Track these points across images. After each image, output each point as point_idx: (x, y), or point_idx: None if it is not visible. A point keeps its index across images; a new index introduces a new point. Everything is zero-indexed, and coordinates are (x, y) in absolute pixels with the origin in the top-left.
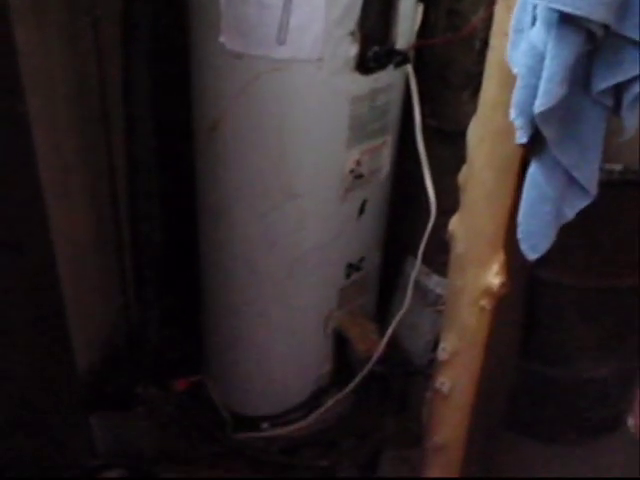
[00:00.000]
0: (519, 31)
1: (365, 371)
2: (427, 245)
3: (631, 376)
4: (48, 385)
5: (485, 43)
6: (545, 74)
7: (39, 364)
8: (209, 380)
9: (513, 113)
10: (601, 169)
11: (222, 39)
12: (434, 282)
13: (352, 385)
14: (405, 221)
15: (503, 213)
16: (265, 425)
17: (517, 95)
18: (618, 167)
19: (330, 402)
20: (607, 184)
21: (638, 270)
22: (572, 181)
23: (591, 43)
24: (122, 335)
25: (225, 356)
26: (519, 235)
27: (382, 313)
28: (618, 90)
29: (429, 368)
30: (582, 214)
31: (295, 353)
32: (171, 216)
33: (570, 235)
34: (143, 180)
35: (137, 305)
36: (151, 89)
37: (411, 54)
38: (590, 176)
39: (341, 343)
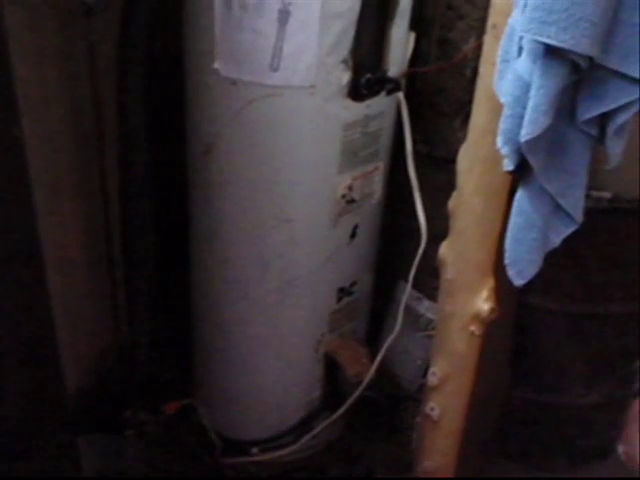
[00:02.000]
0: (506, 61)
1: (355, 396)
2: (418, 270)
3: (621, 403)
4: (37, 408)
5: (476, 71)
6: (530, 104)
7: (28, 386)
8: (199, 404)
9: (500, 142)
10: (590, 197)
11: (216, 65)
12: (425, 307)
13: (342, 410)
14: (396, 246)
15: (492, 239)
16: (255, 450)
17: (503, 124)
18: (607, 195)
19: (320, 427)
20: (596, 212)
21: (626, 296)
22: (558, 208)
23: (576, 74)
24: (112, 358)
25: (215, 379)
26: (506, 261)
27: (373, 337)
28: (603, 120)
29: (419, 393)
30: (571, 241)
31: (285, 377)
32: (163, 238)
33: (559, 261)
34: (136, 201)
35: (127, 328)
36: (145, 113)
37: (403, 82)
38: (575, 203)
39: (331, 367)
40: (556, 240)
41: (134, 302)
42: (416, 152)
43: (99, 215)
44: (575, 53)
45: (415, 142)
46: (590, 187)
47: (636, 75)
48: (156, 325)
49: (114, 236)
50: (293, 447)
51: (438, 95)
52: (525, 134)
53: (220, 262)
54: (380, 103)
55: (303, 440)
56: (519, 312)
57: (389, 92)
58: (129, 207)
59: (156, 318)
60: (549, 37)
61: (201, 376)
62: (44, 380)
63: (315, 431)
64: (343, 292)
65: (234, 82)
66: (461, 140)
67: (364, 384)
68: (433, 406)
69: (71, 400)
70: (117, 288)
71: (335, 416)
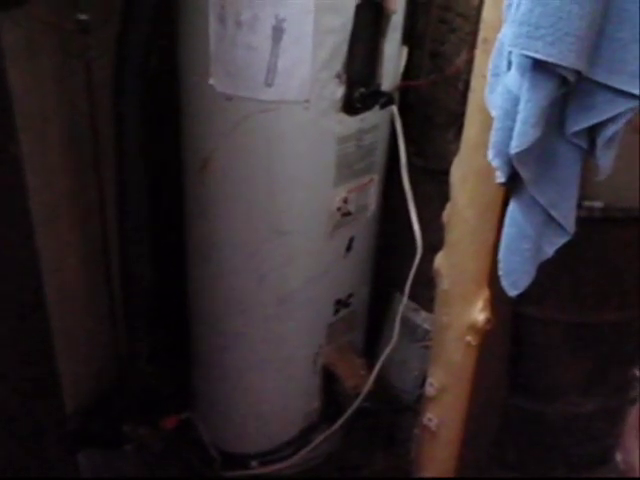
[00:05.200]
0: (496, 75)
1: (353, 407)
2: (414, 281)
3: (618, 411)
4: (35, 423)
5: (468, 84)
6: (520, 117)
7: (25, 402)
8: (198, 417)
9: (491, 154)
10: (582, 206)
11: (212, 81)
12: (422, 318)
13: (341, 421)
14: (392, 257)
15: (486, 250)
16: (254, 463)
17: (494, 137)
18: (599, 204)
19: (319, 439)
20: (588, 221)
21: (620, 305)
22: (550, 219)
23: (564, 87)
24: (110, 373)
25: (213, 393)
26: (500, 272)
27: (370, 349)
28: (592, 131)
29: (417, 404)
30: (564, 250)
31: (284, 390)
32: (161, 252)
33: (553, 271)
34: (133, 216)
35: (126, 342)
36: (142, 129)
37: (396, 95)
38: (567, 214)
39: (329, 379)
40: (549, 251)
41: (132, 317)
42: (410, 164)
43: (97, 232)
44: (562, 67)
45: (409, 154)
46: (582, 197)
47: (623, 87)
48: (154, 340)
49: (112, 252)
50: (292, 460)
51: (431, 107)
52: (515, 146)
53: (216, 276)
54: (374, 116)
55: (302, 452)
56: (515, 322)
57: (382, 106)
58: (127, 223)
59: (154, 333)
60: (536, 51)
61: (199, 390)
62: (42, 396)
63: (314, 443)
64: (340, 304)
65: (229, 98)
66: (454, 152)
67: (362, 396)
68: (431, 417)
69: (69, 415)
70: (115, 303)
71: (334, 428)
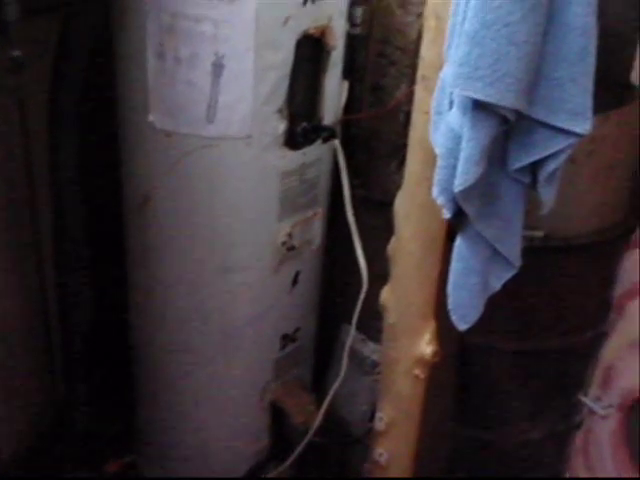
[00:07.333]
0: (439, 113)
1: (304, 443)
2: (362, 312)
3: (565, 436)
4: None
5: (409, 116)
6: (462, 155)
7: None
8: (142, 460)
9: (435, 192)
10: (523, 236)
11: (151, 118)
12: (370, 349)
13: (291, 459)
14: (339, 289)
15: (432, 283)
16: None
17: (438, 175)
18: (539, 233)
19: (269, 477)
20: (529, 250)
21: (563, 332)
22: (496, 253)
23: (505, 125)
24: (49, 417)
25: (158, 434)
26: (449, 306)
27: (319, 383)
28: (534, 167)
29: (367, 437)
30: (507, 280)
31: (231, 428)
32: (101, 291)
33: (496, 300)
34: (71, 256)
35: (65, 384)
36: (79, 167)
37: (338, 128)
38: (512, 248)
39: (278, 415)
40: (497, 285)
41: (71, 357)
42: (354, 196)
43: (33, 272)
44: (502, 107)
45: (353, 186)
46: (523, 227)
47: (562, 125)
48: (95, 380)
49: (49, 294)
50: None
51: (373, 139)
52: (458, 184)
53: (160, 314)
54: (316, 150)
55: None
56: (461, 352)
57: (325, 140)
58: (64, 263)
59: (95, 373)
60: (476, 92)
61: (143, 431)
62: None
63: None
64: (287, 339)
65: (169, 134)
66: (397, 182)
67: (312, 431)
68: (381, 452)
69: (6, 465)
70: (54, 343)
71: (284, 465)
